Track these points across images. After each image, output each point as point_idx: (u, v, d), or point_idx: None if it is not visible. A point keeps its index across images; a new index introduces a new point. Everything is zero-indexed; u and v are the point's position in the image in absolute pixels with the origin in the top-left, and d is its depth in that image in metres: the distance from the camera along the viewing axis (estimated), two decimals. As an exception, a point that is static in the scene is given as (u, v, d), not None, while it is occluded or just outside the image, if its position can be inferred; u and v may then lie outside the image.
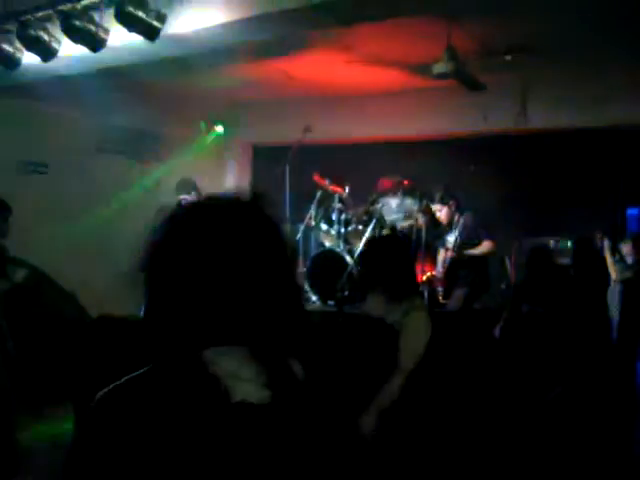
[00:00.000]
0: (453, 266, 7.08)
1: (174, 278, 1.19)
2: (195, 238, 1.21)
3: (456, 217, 7.14)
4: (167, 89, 8.97)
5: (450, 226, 7.21)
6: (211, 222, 1.24)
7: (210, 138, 10.44)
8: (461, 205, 7.19)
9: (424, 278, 7.84)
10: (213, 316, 1.17)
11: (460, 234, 6.99)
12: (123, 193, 8.55)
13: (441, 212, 7.19)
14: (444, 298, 7.29)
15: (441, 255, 7.30)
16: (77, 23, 5.35)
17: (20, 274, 4.90)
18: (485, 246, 6.99)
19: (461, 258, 7.00)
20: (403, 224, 8.29)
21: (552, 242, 7.61)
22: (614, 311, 6.93)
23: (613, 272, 6.98)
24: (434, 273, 7.51)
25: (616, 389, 5.64)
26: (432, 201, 7.30)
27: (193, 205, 1.31)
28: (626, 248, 6.93)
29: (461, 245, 6.99)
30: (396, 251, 3.73)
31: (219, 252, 1.19)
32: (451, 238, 7.09)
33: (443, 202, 7.14)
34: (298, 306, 1.30)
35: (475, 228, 7.02)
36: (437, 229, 7.63)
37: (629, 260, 6.90)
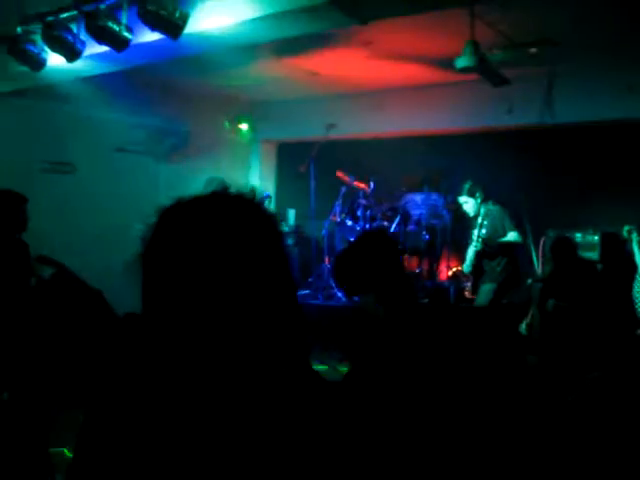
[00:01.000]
0: (479, 259, 7.02)
1: (167, 274, 1.17)
2: (187, 233, 1.19)
3: (482, 210, 7.07)
4: (191, 87, 9.02)
5: (476, 219, 7.16)
6: (205, 216, 1.21)
7: (234, 136, 10.48)
8: (487, 198, 7.14)
9: (450, 274, 7.81)
10: (209, 313, 1.15)
11: (486, 226, 6.92)
12: (147, 192, 8.59)
13: (467, 204, 7.12)
14: (472, 293, 7.24)
15: (470, 250, 7.24)
16: (101, 23, 5.39)
17: (47, 272, 4.92)
18: (511, 236, 6.92)
19: (487, 250, 6.93)
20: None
21: (579, 236, 7.52)
22: None
23: None
24: (460, 268, 7.46)
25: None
26: (459, 194, 7.24)
27: (188, 200, 1.26)
28: None
29: (487, 237, 6.93)
30: (379, 248, 3.32)
31: (212, 247, 1.16)
32: (476, 231, 7.03)
33: (469, 194, 7.08)
34: (294, 306, 1.26)
35: (501, 219, 6.96)
36: (463, 223, 7.58)
37: None
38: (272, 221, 1.27)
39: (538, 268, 7.76)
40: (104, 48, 5.70)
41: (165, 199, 1.27)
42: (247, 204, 1.26)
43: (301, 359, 1.25)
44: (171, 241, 1.19)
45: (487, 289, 6.92)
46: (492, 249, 6.91)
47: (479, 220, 7.00)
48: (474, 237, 7.05)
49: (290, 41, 6.78)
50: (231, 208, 1.23)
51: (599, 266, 7.30)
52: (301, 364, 1.24)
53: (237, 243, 1.18)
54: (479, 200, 7.05)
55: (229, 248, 1.17)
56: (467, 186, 7.11)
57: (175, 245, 1.18)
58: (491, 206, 7.02)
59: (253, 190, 1.29)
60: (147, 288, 1.21)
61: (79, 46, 5.89)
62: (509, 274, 6.98)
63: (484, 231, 6.90)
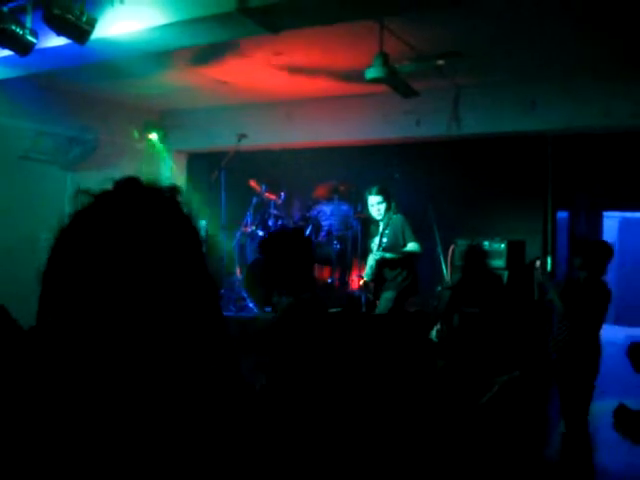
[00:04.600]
0: (379, 268, 7.08)
1: (72, 277, 1.06)
2: (96, 233, 1.08)
3: (385, 218, 7.12)
4: (101, 95, 8.84)
5: (378, 226, 7.19)
6: (118, 213, 1.11)
7: (144, 146, 10.29)
8: (392, 207, 7.18)
9: (361, 283, 7.87)
10: (118, 321, 1.05)
11: (387, 235, 7.01)
12: (54, 202, 8.32)
13: (382, 204, 7.07)
14: (374, 301, 7.30)
15: (371, 258, 7.27)
16: (3, 26, 5.22)
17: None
18: (410, 247, 7.00)
19: (388, 259, 6.99)
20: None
21: (487, 244, 7.70)
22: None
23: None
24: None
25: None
26: (370, 194, 7.18)
27: (99, 196, 1.14)
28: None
29: (388, 247, 7.00)
30: (286, 245, 3.55)
31: (125, 247, 1.07)
32: (377, 240, 7.09)
33: (382, 194, 7.05)
34: (215, 310, 1.18)
35: (402, 229, 7.03)
36: (371, 230, 7.59)
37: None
38: (186, 216, 1.20)
39: (447, 276, 7.91)
40: (7, 52, 5.54)
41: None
42: (154, 197, 1.18)
43: (228, 366, 1.20)
44: (76, 243, 1.09)
45: (388, 297, 6.97)
46: (394, 259, 6.97)
47: (381, 229, 7.07)
48: (374, 246, 7.11)
49: (201, 50, 6.76)
50: (138, 203, 1.15)
51: (505, 273, 7.49)
52: (228, 371, 1.19)
53: (157, 245, 1.09)
54: (386, 205, 7.09)
55: (136, 246, 1.08)
56: (377, 188, 7.10)
57: (81, 247, 1.08)
58: (393, 215, 7.08)
59: (174, 189, 1.22)
60: (51, 298, 1.09)
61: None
62: (409, 283, 7.07)
63: (385, 240, 6.99)
